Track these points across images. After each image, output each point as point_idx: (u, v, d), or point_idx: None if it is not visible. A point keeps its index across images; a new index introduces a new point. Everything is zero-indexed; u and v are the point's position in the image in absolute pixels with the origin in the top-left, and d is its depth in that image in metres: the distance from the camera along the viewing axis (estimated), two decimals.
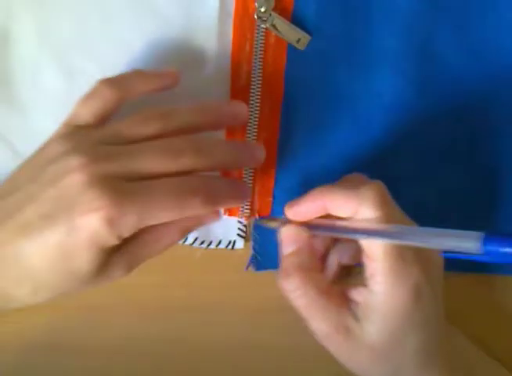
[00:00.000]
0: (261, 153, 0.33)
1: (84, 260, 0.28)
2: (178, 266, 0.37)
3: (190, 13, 0.36)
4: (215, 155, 0.31)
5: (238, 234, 0.37)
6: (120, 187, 0.28)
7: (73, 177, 0.28)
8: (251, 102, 0.36)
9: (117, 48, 0.36)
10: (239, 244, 0.37)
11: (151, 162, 0.29)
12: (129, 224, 0.28)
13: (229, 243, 0.37)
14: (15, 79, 0.36)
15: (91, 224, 0.27)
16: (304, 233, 0.32)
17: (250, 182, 0.37)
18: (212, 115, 0.32)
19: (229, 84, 0.37)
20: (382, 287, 0.29)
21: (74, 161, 0.28)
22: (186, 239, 0.36)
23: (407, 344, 0.30)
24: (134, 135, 0.30)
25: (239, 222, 0.37)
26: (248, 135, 0.36)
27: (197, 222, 0.32)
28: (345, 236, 0.31)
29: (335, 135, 0.37)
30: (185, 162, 0.30)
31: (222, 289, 0.37)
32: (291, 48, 0.36)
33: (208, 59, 0.36)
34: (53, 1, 0.36)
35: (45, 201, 0.28)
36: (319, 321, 0.31)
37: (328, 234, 0.33)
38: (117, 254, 0.30)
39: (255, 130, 0.36)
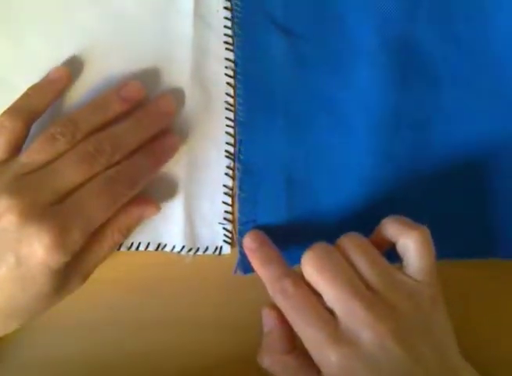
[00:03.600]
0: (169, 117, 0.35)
1: (41, 284, 0.31)
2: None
3: (165, 19, 0.38)
4: (127, 141, 0.33)
5: (224, 240, 0.38)
6: (53, 211, 0.30)
7: (7, 219, 0.30)
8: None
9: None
10: (226, 249, 0.38)
11: (71, 177, 0.31)
12: (76, 239, 0.31)
13: (216, 249, 0.38)
14: None
15: (38, 255, 0.30)
16: (272, 316, 0.33)
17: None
18: (117, 108, 0.34)
19: None
20: None
21: (2, 203, 0.30)
22: (174, 247, 0.38)
23: None
24: (47, 157, 0.32)
25: (225, 229, 0.38)
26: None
27: (136, 219, 0.35)
28: None
29: (316, 136, 0.38)
30: (101, 162, 0.32)
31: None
32: (267, 52, 0.38)
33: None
34: None
35: None
36: None
37: None
38: (69, 269, 0.32)
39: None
